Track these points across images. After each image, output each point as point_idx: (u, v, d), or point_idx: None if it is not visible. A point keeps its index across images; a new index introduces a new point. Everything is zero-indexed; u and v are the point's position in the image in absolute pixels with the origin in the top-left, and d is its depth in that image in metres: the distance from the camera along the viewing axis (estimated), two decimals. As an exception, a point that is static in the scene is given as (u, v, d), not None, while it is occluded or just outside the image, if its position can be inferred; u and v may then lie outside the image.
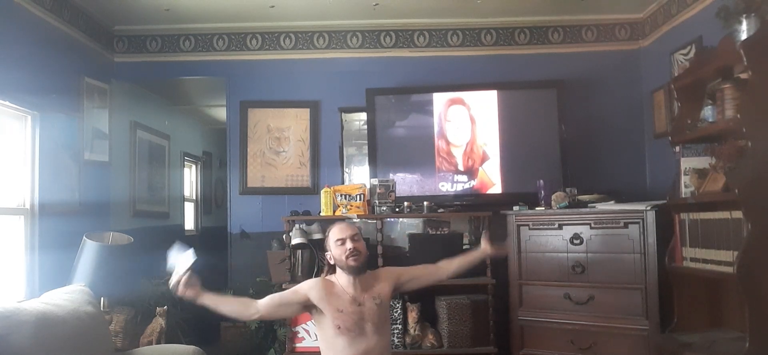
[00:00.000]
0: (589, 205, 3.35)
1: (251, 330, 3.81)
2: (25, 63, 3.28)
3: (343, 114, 4.34)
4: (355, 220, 3.88)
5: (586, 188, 3.58)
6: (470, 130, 4.08)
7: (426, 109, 4.14)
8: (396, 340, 3.52)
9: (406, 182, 4.07)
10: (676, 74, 3.55)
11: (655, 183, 4.09)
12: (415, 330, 3.53)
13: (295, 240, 3.61)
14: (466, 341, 3.51)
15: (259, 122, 4.36)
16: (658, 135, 4.00)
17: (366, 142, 4.16)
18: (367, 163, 4.16)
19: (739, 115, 2.36)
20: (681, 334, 2.76)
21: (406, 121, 4.18)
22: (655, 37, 4.09)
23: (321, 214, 3.76)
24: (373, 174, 4.04)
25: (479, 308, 3.55)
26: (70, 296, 2.80)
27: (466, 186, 4.06)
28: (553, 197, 3.43)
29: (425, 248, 3.67)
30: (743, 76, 2.44)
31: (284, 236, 3.71)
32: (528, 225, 3.44)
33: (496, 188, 4.03)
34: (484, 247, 2.74)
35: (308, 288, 2.46)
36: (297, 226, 3.71)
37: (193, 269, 2.35)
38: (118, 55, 4.41)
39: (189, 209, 6.36)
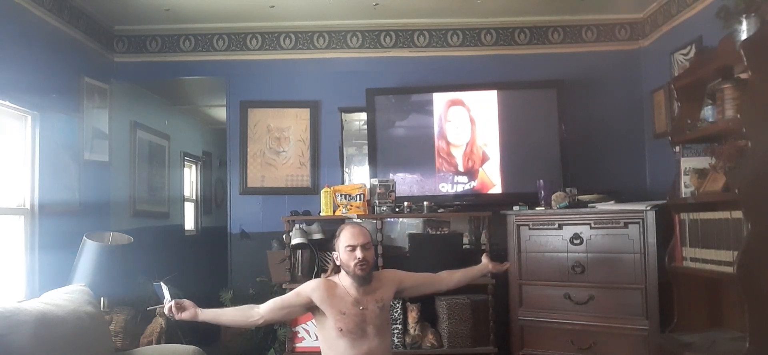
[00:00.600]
0: (589, 205, 3.35)
1: (251, 330, 3.81)
2: (25, 63, 3.28)
3: (343, 114, 4.35)
4: (355, 220, 3.89)
5: (586, 188, 3.58)
6: (470, 131, 4.08)
7: (426, 109, 4.14)
8: (396, 340, 3.52)
9: (406, 182, 4.07)
10: (676, 74, 3.55)
11: (655, 183, 4.09)
12: (415, 330, 3.54)
13: (295, 240, 3.61)
14: (466, 341, 3.51)
15: (259, 122, 4.36)
16: (658, 135, 4.00)
17: (366, 142, 4.16)
18: (367, 163, 4.16)
19: (739, 115, 2.36)
20: (681, 334, 2.76)
21: (406, 121, 4.18)
22: (655, 37, 4.09)
23: (321, 214, 3.76)
24: (373, 174, 4.04)
25: (479, 308, 3.55)
26: (70, 296, 2.80)
27: (467, 187, 4.06)
28: (553, 197, 3.43)
29: (425, 248, 3.68)
30: (743, 76, 2.44)
31: (284, 236, 3.71)
32: (528, 225, 3.44)
33: (496, 188, 4.03)
34: (485, 263, 2.74)
35: (310, 290, 2.46)
36: (297, 226, 3.71)
37: (174, 294, 2.43)
38: (118, 55, 4.41)
39: (189, 209, 6.36)
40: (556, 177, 3.81)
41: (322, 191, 3.77)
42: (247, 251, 4.27)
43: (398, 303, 3.53)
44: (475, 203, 4.03)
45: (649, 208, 3.04)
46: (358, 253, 2.40)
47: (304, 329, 3.64)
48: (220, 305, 3.98)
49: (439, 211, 3.79)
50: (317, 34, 4.37)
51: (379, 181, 3.78)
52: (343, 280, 2.48)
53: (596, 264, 3.22)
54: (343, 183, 4.16)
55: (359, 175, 4.30)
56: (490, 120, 4.07)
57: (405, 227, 4.10)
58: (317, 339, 3.51)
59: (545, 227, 3.39)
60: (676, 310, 2.86)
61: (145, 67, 4.43)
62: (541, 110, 4.06)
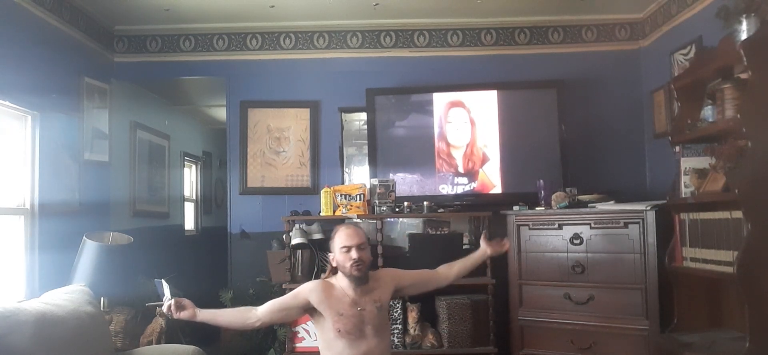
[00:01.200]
0: (589, 205, 3.35)
1: (251, 330, 3.81)
2: (25, 63, 3.28)
3: (343, 114, 4.35)
4: (355, 220, 3.89)
5: (586, 188, 3.58)
6: (470, 132, 4.08)
7: (426, 109, 4.14)
8: (396, 340, 3.52)
9: (406, 182, 4.07)
10: (676, 74, 3.55)
11: (655, 183, 4.09)
12: (415, 330, 3.54)
13: (295, 240, 3.61)
14: (466, 341, 3.51)
15: (259, 122, 4.36)
16: (658, 135, 4.00)
17: (366, 142, 4.16)
18: (367, 163, 4.16)
19: (739, 115, 2.36)
20: (681, 334, 2.76)
21: (406, 121, 4.18)
22: (655, 37, 4.09)
23: (321, 214, 3.76)
24: (373, 174, 4.04)
25: (479, 308, 3.55)
26: (70, 296, 2.80)
27: (467, 188, 4.06)
28: (553, 197, 3.43)
29: (425, 248, 3.68)
30: (743, 76, 2.44)
31: (284, 236, 3.71)
32: (528, 225, 3.44)
33: (497, 189, 4.03)
34: (484, 247, 2.71)
35: (308, 291, 2.45)
36: (297, 226, 3.71)
37: (174, 293, 2.41)
38: (118, 55, 4.41)
39: (189, 209, 6.36)
40: (556, 177, 3.81)
41: (322, 191, 3.77)
42: (247, 251, 4.27)
43: (398, 303, 3.53)
44: (475, 203, 4.03)
45: (649, 208, 3.04)
46: (353, 253, 2.39)
47: (304, 329, 3.63)
48: (220, 305, 3.98)
49: (439, 211, 3.79)
50: (317, 34, 4.37)
51: (379, 181, 3.78)
52: (341, 281, 2.48)
53: (596, 264, 3.22)
54: (343, 183, 4.16)
55: (359, 175, 4.29)
56: (490, 120, 4.07)
57: (405, 227, 4.10)
58: (317, 339, 3.52)
59: (545, 227, 3.39)
60: (676, 310, 2.86)
61: (145, 67, 4.43)
62: (541, 110, 4.06)
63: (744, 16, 2.43)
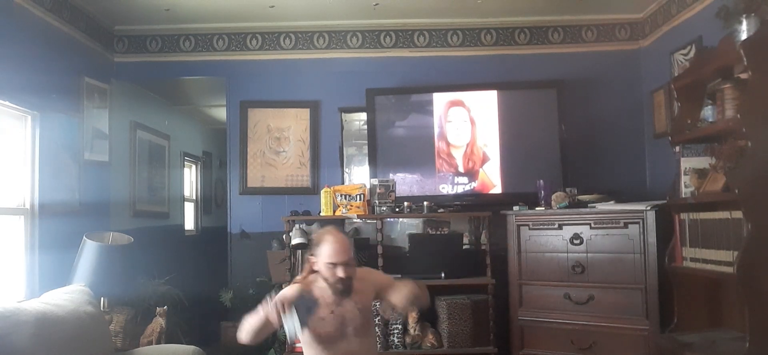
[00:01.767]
0: (589, 205, 3.35)
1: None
2: (25, 63, 3.27)
3: (343, 114, 4.35)
4: (355, 220, 3.89)
5: (586, 188, 3.58)
6: (470, 132, 4.08)
7: (426, 109, 4.14)
8: (396, 340, 3.52)
9: (406, 182, 4.07)
10: (676, 74, 3.55)
11: (655, 183, 4.09)
12: (415, 330, 3.53)
13: (295, 240, 3.61)
14: (466, 341, 3.51)
15: (259, 122, 4.36)
16: (658, 135, 4.00)
17: (366, 142, 4.16)
18: (367, 163, 4.16)
19: (739, 115, 2.36)
20: (681, 334, 2.76)
21: (406, 122, 4.18)
22: (655, 37, 4.09)
23: (321, 214, 3.76)
24: (373, 174, 4.04)
25: (479, 308, 3.55)
26: (70, 296, 2.80)
27: (467, 187, 4.06)
28: (553, 197, 3.43)
29: (425, 248, 3.68)
30: (743, 76, 2.44)
31: (284, 236, 3.71)
32: (528, 225, 3.44)
33: (497, 189, 4.03)
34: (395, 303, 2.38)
35: (289, 299, 2.27)
36: (297, 226, 3.71)
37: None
38: (118, 55, 4.41)
39: (189, 209, 6.36)
40: (556, 177, 3.81)
41: (322, 191, 3.77)
42: (247, 251, 4.27)
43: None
44: (475, 203, 4.03)
45: (649, 208, 3.04)
46: (339, 272, 2.30)
47: (304, 329, 3.63)
48: (221, 305, 4.00)
49: (439, 211, 3.79)
50: (317, 34, 4.37)
51: (379, 181, 3.78)
52: (320, 283, 2.37)
53: (596, 264, 3.22)
54: (343, 183, 4.16)
55: (359, 175, 4.30)
56: (490, 120, 4.07)
57: (405, 227, 4.11)
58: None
59: (545, 227, 3.39)
60: (676, 310, 2.86)
61: (145, 67, 4.43)
62: (541, 110, 4.06)
63: (744, 16, 2.42)
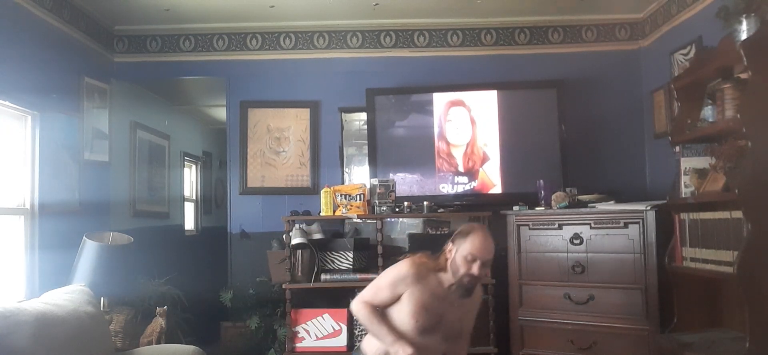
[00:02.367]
0: (589, 205, 3.35)
1: (251, 330, 3.81)
2: (25, 63, 3.28)
3: (343, 114, 4.35)
4: (355, 220, 3.89)
5: (586, 188, 3.57)
6: (470, 132, 4.08)
7: (426, 109, 4.14)
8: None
9: (406, 182, 4.07)
10: (676, 74, 3.55)
11: (655, 183, 4.09)
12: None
13: (295, 240, 3.61)
14: (466, 341, 3.51)
15: (259, 122, 4.36)
16: (658, 135, 4.00)
17: (366, 142, 4.16)
18: (367, 163, 4.16)
19: (739, 115, 2.36)
20: (681, 334, 2.76)
21: (406, 122, 4.18)
22: (655, 37, 4.09)
23: (321, 214, 3.76)
24: (373, 174, 4.04)
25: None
26: (70, 296, 2.80)
27: (467, 187, 4.06)
28: (553, 197, 3.43)
29: (425, 248, 3.65)
30: (743, 76, 2.44)
31: (284, 236, 3.71)
32: (528, 225, 3.44)
33: (497, 189, 4.03)
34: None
35: (403, 285, 2.29)
36: (297, 226, 3.71)
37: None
38: (118, 55, 4.41)
39: (189, 209, 6.36)
40: (556, 177, 3.81)
41: (322, 191, 3.77)
42: (247, 251, 4.27)
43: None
44: (475, 203, 4.02)
45: (649, 208, 3.04)
46: (475, 269, 2.23)
47: (305, 329, 3.64)
48: (221, 305, 3.99)
49: (439, 211, 3.79)
50: (317, 34, 4.37)
51: (379, 181, 3.78)
52: (444, 275, 2.31)
53: (596, 264, 3.22)
54: (343, 183, 4.16)
55: (359, 175, 4.29)
56: (490, 120, 4.07)
57: (405, 227, 4.10)
58: (317, 339, 3.52)
59: (545, 227, 3.39)
60: (676, 310, 2.86)
61: (145, 67, 4.43)
62: (541, 110, 4.06)
63: (744, 16, 2.42)
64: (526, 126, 4.06)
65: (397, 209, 3.73)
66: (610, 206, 3.27)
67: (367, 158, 4.16)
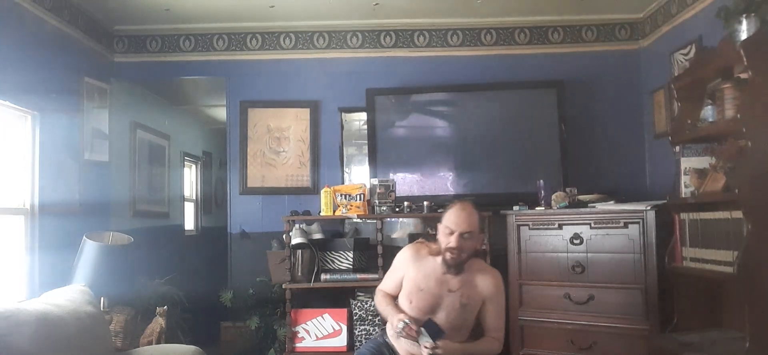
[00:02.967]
0: (589, 205, 3.35)
1: (251, 330, 3.81)
2: (25, 63, 3.28)
3: (343, 114, 4.35)
4: (355, 220, 3.89)
5: (586, 188, 3.57)
6: (470, 131, 4.08)
7: (426, 109, 4.14)
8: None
9: (406, 182, 4.07)
10: (676, 74, 3.55)
11: (655, 183, 4.09)
12: (415, 330, 3.53)
13: (295, 240, 3.61)
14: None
15: (259, 122, 4.36)
16: (658, 135, 4.00)
17: (366, 142, 4.16)
18: (367, 163, 4.16)
19: (739, 115, 2.36)
20: (681, 334, 2.76)
21: (406, 121, 4.18)
22: (655, 37, 4.09)
23: (321, 214, 3.76)
24: (373, 174, 4.04)
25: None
26: (70, 296, 2.80)
27: (467, 187, 4.05)
28: (553, 197, 3.43)
29: (425, 248, 3.67)
30: (743, 76, 2.44)
31: (284, 236, 3.71)
32: (528, 225, 3.44)
33: (497, 188, 4.03)
34: None
35: (404, 267, 2.46)
36: (297, 226, 3.71)
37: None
38: (118, 55, 4.41)
39: (189, 209, 6.36)
40: (556, 177, 3.81)
41: (322, 191, 3.77)
42: (247, 251, 4.27)
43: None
44: (475, 202, 4.01)
45: (649, 208, 3.04)
46: (453, 241, 2.25)
47: (305, 329, 3.64)
48: (221, 305, 3.99)
49: (439, 211, 3.78)
50: (317, 34, 4.37)
51: (379, 181, 3.78)
52: (436, 254, 2.37)
53: (596, 264, 3.22)
54: (343, 183, 4.16)
55: (359, 175, 4.29)
56: (490, 120, 4.06)
57: (405, 227, 4.10)
58: (317, 339, 3.54)
59: (545, 226, 3.38)
60: (676, 310, 2.86)
61: (145, 67, 4.43)
62: (541, 110, 4.06)
63: (744, 16, 2.42)
64: (526, 126, 4.06)
65: (397, 209, 3.73)
66: (610, 205, 3.27)
67: (367, 158, 4.16)
